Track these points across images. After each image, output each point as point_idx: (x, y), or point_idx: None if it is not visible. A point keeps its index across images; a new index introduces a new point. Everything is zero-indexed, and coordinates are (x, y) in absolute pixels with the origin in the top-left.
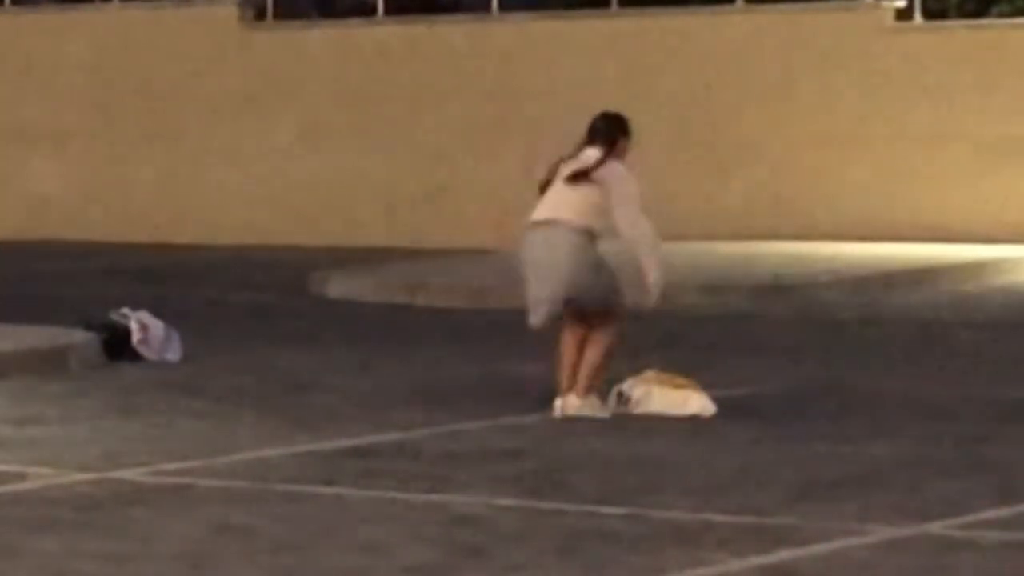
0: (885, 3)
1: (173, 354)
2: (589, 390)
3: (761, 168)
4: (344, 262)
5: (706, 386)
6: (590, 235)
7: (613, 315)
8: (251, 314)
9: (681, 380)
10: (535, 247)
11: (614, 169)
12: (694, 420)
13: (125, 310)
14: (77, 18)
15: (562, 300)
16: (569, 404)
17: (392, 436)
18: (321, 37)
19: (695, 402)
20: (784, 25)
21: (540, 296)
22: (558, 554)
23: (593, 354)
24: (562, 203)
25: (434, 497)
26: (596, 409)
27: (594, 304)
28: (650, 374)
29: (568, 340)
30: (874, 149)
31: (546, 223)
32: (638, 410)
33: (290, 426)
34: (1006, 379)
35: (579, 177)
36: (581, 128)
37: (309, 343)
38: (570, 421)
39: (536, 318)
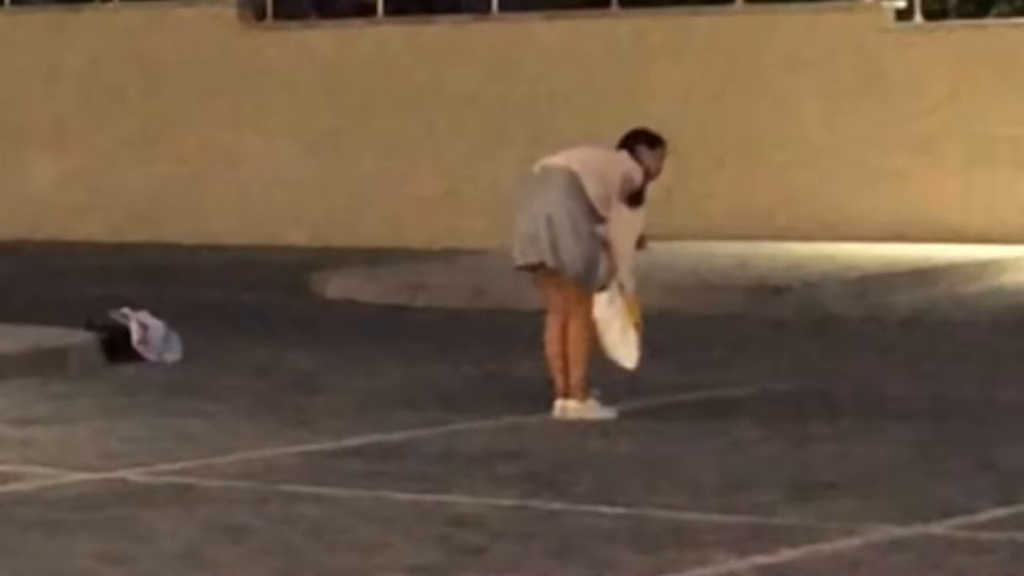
0: (885, 3)
1: (173, 354)
2: (586, 392)
3: (760, 168)
4: (344, 262)
5: (707, 386)
6: (587, 199)
7: (585, 297)
8: (251, 314)
9: (637, 319)
10: (533, 182)
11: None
12: (699, 419)
13: (125, 310)
14: (77, 18)
15: (549, 237)
16: (570, 409)
17: (392, 436)
18: (321, 37)
19: (623, 349)
20: (784, 25)
21: (528, 230)
22: (558, 554)
23: (575, 354)
24: (575, 158)
25: (434, 497)
26: (598, 411)
27: (571, 268)
28: (629, 301)
29: (551, 335)
30: (874, 149)
31: (554, 168)
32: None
33: (290, 426)
34: (1006, 379)
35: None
36: (580, 128)
37: (309, 343)
38: (570, 421)
39: (527, 255)
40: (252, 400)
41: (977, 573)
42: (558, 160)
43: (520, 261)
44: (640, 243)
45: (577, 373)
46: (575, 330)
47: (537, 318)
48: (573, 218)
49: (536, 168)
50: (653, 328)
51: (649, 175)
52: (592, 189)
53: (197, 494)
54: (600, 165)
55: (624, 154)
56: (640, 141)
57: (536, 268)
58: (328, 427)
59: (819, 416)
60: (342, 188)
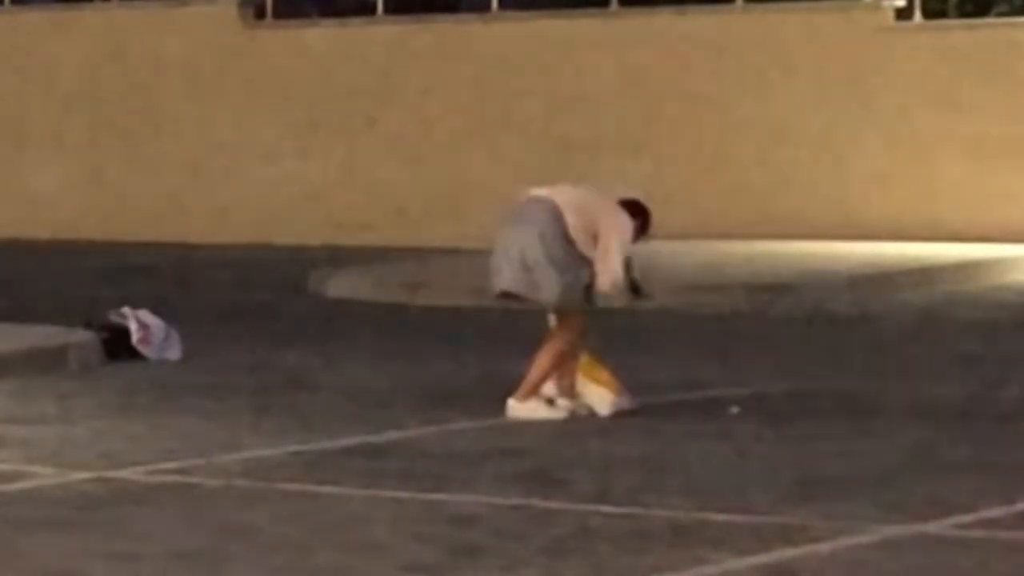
0: (885, 3)
1: (173, 353)
2: (531, 394)
3: (761, 168)
4: (344, 262)
5: (707, 386)
6: (565, 231)
7: (571, 320)
8: (251, 314)
9: (602, 375)
10: (514, 213)
11: (623, 220)
12: (698, 419)
13: (125, 310)
14: (77, 18)
15: (523, 267)
16: (510, 408)
17: (392, 436)
18: (321, 36)
19: (593, 395)
20: (784, 25)
21: (501, 263)
22: (558, 554)
23: (542, 358)
24: (560, 192)
25: (434, 497)
26: (539, 411)
27: (546, 299)
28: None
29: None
30: (874, 149)
31: (536, 199)
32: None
33: (290, 426)
34: (1006, 379)
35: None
36: (581, 128)
37: (309, 343)
38: (569, 421)
39: (498, 282)
40: (252, 399)
41: (977, 573)
42: (543, 192)
43: (496, 289)
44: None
45: (533, 376)
46: (551, 342)
47: (537, 317)
48: (549, 251)
49: (522, 198)
50: (654, 328)
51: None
52: (572, 221)
53: (197, 493)
54: (586, 203)
55: (619, 207)
56: (640, 216)
57: (513, 296)
58: (327, 426)
59: (819, 416)
60: (342, 187)
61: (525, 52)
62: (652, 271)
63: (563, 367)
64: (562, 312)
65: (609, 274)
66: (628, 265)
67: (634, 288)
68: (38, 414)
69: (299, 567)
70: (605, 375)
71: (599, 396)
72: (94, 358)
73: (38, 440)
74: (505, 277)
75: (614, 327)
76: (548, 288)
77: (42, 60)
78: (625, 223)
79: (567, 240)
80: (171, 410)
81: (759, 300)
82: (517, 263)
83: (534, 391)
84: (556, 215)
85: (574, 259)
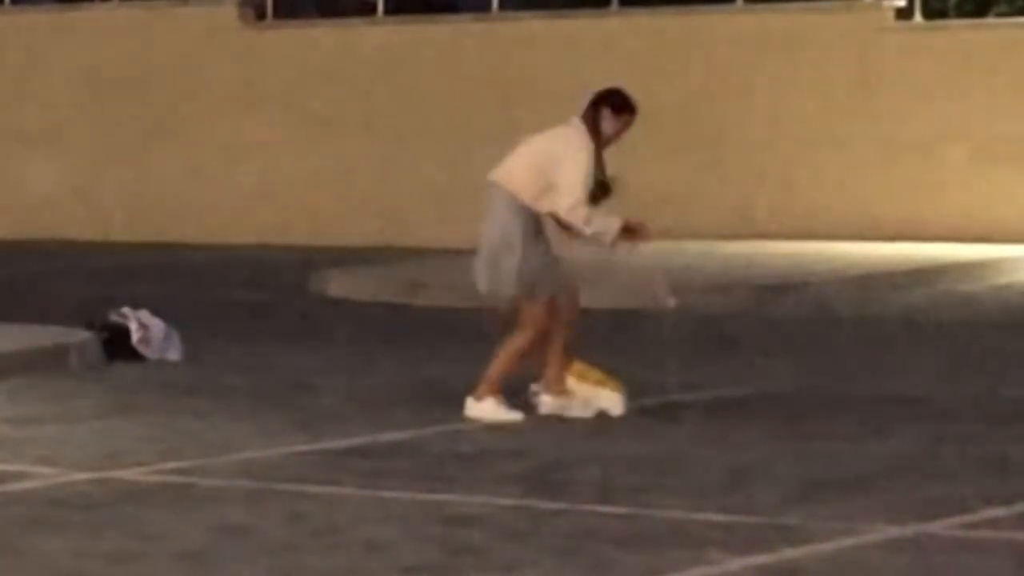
0: (885, 3)
1: (173, 354)
2: (487, 393)
3: (761, 168)
4: (344, 262)
5: (707, 386)
6: (525, 208)
7: (532, 311)
8: (251, 314)
9: (599, 376)
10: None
11: (578, 156)
12: (698, 419)
13: (125, 310)
14: (77, 18)
15: (490, 264)
16: (467, 407)
17: (392, 436)
18: (321, 37)
19: (604, 399)
20: (784, 25)
21: (478, 262)
22: (558, 554)
23: (502, 354)
24: (505, 168)
25: (434, 497)
26: (494, 413)
27: (509, 289)
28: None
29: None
30: (873, 149)
31: (491, 185)
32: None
33: (290, 426)
34: (1006, 379)
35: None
36: None
37: (309, 343)
38: (569, 421)
39: (481, 283)
40: (252, 400)
41: (977, 573)
42: (496, 176)
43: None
44: (634, 235)
45: (490, 371)
46: (515, 336)
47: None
48: (507, 237)
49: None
50: (654, 328)
51: (603, 140)
52: (528, 193)
53: (197, 494)
54: (537, 167)
55: (570, 131)
56: (605, 104)
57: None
58: (328, 427)
59: (819, 416)
60: (342, 187)
61: (525, 52)
62: (653, 272)
63: (543, 358)
64: (523, 305)
65: (567, 196)
66: (598, 173)
67: (601, 187)
68: (38, 414)
69: (299, 567)
70: (600, 376)
71: (605, 398)
72: (94, 358)
73: (38, 440)
74: (480, 280)
75: (614, 327)
76: (506, 281)
77: (42, 60)
78: (579, 154)
79: (528, 214)
80: (171, 410)
81: (761, 300)
82: (485, 261)
83: (489, 391)
84: (508, 198)
85: (536, 241)
